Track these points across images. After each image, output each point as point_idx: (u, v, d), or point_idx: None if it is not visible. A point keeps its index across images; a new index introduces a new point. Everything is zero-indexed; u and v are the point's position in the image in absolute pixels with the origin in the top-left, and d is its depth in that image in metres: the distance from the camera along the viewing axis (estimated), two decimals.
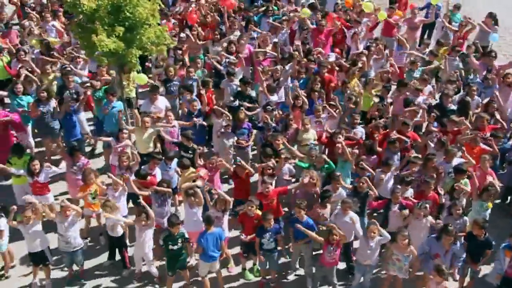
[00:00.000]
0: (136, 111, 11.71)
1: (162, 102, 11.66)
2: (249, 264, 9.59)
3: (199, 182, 9.29)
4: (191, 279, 9.22)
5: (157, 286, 9.28)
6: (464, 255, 8.76)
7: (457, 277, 9.26)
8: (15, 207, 8.83)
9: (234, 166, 10.11)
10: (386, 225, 9.14)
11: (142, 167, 10.03)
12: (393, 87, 12.42)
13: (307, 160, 10.18)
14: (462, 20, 14.55)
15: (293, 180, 10.28)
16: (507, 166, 11.07)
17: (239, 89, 12.18)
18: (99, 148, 12.33)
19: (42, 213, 8.90)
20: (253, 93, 12.24)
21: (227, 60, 12.95)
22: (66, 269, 9.42)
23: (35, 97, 11.60)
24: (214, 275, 9.13)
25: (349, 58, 13.62)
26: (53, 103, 11.40)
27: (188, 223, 9.13)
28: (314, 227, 8.90)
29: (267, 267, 9.13)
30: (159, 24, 10.50)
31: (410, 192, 9.48)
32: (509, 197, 11.10)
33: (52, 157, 11.86)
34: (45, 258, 8.98)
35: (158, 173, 9.91)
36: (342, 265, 9.40)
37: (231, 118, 11.23)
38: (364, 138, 10.89)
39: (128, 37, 9.90)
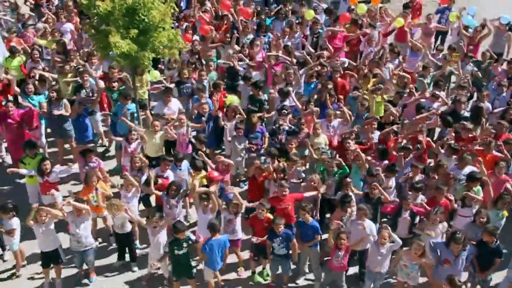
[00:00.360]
0: (148, 113, 11.78)
1: (175, 105, 11.70)
2: (258, 267, 9.58)
3: (212, 188, 9.28)
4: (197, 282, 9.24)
5: None
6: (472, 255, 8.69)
7: (469, 285, 9.20)
8: (36, 205, 8.85)
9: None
10: (394, 231, 9.07)
11: (154, 169, 10.08)
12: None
13: (320, 164, 10.18)
14: (477, 25, 14.47)
15: (302, 184, 10.24)
16: None
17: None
18: (112, 150, 12.38)
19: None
20: (264, 97, 12.25)
21: (244, 63, 12.96)
22: (76, 268, 9.47)
23: (48, 97, 11.69)
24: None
25: (361, 62, 13.56)
26: (64, 103, 11.46)
27: (202, 229, 9.11)
28: (319, 230, 8.90)
29: (279, 271, 9.09)
30: (172, 28, 10.54)
31: (420, 198, 9.44)
32: None
33: (64, 158, 11.93)
34: (57, 257, 9.03)
35: (170, 175, 9.93)
36: (353, 270, 9.36)
37: (244, 118, 11.24)
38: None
39: (141, 40, 9.95)
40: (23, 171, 10.04)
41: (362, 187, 9.98)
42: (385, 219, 10.13)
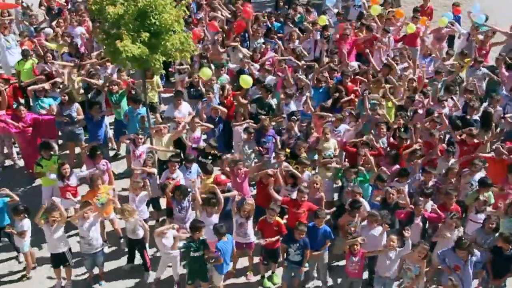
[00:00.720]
0: (158, 116, 11.80)
1: (185, 108, 11.74)
2: (268, 272, 9.55)
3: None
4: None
5: None
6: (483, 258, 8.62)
7: None
8: (45, 204, 8.91)
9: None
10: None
11: (164, 172, 10.08)
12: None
13: (323, 169, 10.21)
14: (488, 30, 14.42)
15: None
16: None
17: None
18: (122, 153, 12.43)
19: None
20: (274, 102, 12.25)
21: (255, 68, 12.99)
22: (86, 270, 9.48)
23: (60, 100, 11.76)
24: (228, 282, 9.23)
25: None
26: (76, 107, 11.53)
27: (207, 232, 9.06)
28: (331, 235, 8.87)
29: (292, 275, 9.08)
30: (183, 31, 10.57)
31: (430, 204, 9.38)
32: None
33: (74, 161, 11.99)
34: (66, 259, 9.06)
35: (180, 176, 9.94)
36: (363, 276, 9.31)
37: (254, 125, 11.26)
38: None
39: (152, 43, 9.97)
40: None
41: (371, 192, 9.95)
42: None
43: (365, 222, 8.94)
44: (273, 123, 11.59)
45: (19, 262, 9.80)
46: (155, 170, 10.32)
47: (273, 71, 13.13)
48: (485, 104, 12.35)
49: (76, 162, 11.74)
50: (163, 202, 10.41)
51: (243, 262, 9.64)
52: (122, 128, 11.81)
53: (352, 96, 12.10)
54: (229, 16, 15.40)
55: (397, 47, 14.49)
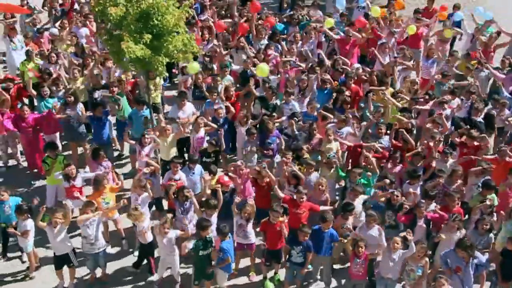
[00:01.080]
0: (162, 116, 11.82)
1: (189, 108, 11.75)
2: (270, 273, 9.55)
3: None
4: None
5: None
6: (488, 263, 8.59)
7: None
8: (44, 207, 8.94)
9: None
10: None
11: (166, 173, 10.11)
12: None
13: (326, 169, 10.23)
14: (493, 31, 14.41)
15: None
16: None
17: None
18: (126, 153, 12.45)
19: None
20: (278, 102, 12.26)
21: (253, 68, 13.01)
22: (88, 271, 9.51)
23: (63, 101, 11.81)
24: (230, 282, 9.25)
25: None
26: (80, 107, 11.57)
27: None
28: (337, 238, 8.88)
29: (294, 276, 9.08)
30: (186, 32, 10.59)
31: (433, 205, 9.37)
32: None
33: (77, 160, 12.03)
34: (70, 260, 9.08)
35: (183, 177, 9.96)
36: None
37: (257, 126, 11.28)
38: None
39: (155, 45, 9.98)
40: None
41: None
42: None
43: (362, 223, 8.97)
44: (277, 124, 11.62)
45: (22, 262, 9.83)
46: (157, 166, 10.31)
47: (276, 72, 13.14)
48: (489, 107, 12.30)
49: (79, 162, 11.78)
50: (165, 203, 10.43)
51: (245, 262, 9.63)
52: (125, 128, 11.85)
53: (348, 93, 12.02)
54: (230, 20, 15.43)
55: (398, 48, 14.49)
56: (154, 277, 9.47)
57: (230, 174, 9.90)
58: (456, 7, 15.90)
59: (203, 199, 9.41)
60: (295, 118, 11.26)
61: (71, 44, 13.84)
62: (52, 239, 8.85)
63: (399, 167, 10.30)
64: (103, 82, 12.51)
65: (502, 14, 16.90)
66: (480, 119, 11.53)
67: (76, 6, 16.74)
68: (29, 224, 9.18)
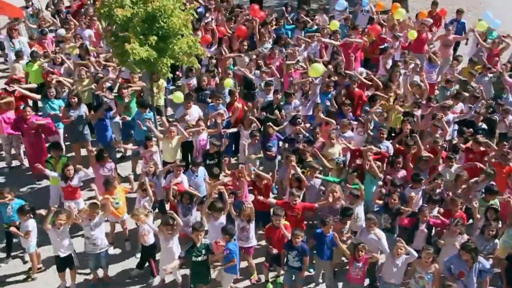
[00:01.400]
0: (164, 119, 11.83)
1: (195, 111, 11.74)
2: (272, 275, 9.56)
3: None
4: None
5: None
6: (492, 270, 8.56)
7: None
8: (53, 208, 8.93)
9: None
10: (411, 244, 9.01)
11: (168, 176, 10.11)
12: None
13: (335, 174, 10.15)
14: (496, 37, 14.40)
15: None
16: None
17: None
18: (129, 156, 12.46)
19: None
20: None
21: (257, 71, 13.02)
22: (90, 271, 9.51)
23: (66, 102, 11.83)
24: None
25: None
26: (84, 108, 11.59)
27: (212, 236, 9.14)
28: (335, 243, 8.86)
29: (293, 279, 9.05)
30: (192, 35, 10.61)
31: (436, 210, 9.37)
32: None
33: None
34: (71, 261, 9.09)
35: (184, 180, 9.96)
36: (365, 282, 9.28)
37: (260, 128, 11.28)
38: (391, 154, 10.79)
39: (160, 47, 10.01)
40: (47, 171, 10.12)
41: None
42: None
43: (363, 227, 8.97)
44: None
45: (24, 263, 9.84)
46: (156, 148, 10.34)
47: (279, 75, 13.16)
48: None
49: (82, 163, 11.81)
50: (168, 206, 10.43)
51: (243, 265, 9.60)
52: (130, 130, 11.86)
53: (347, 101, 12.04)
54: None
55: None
56: (156, 280, 9.47)
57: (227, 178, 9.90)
58: (460, 12, 15.90)
59: (208, 201, 9.39)
60: (298, 121, 11.26)
61: (76, 46, 13.87)
62: (55, 240, 8.86)
63: (401, 172, 10.28)
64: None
65: (503, 14, 16.92)
66: (483, 124, 11.51)
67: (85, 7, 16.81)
68: (31, 224, 9.18)
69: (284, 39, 14.43)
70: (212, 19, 15.30)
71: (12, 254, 9.95)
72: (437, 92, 13.67)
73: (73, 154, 12.02)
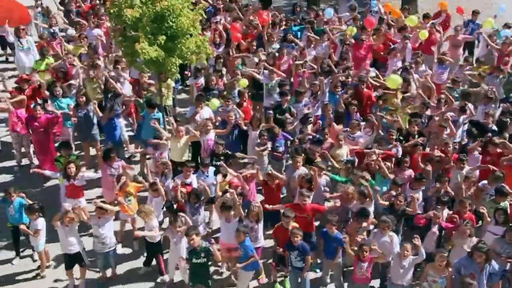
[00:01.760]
0: (172, 118, 11.85)
1: (206, 112, 11.70)
2: (280, 275, 9.55)
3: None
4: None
5: None
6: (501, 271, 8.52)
7: None
8: (66, 207, 8.94)
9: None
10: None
11: (177, 176, 10.13)
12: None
13: (344, 175, 10.14)
14: (508, 37, 14.35)
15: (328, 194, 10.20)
16: None
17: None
18: (137, 156, 12.48)
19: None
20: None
21: (265, 71, 13.03)
22: (98, 270, 9.56)
23: (75, 101, 11.88)
24: None
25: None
26: (92, 107, 11.63)
27: (225, 237, 9.19)
28: (343, 243, 8.81)
29: (299, 281, 9.05)
30: (200, 34, 10.63)
31: (446, 212, 9.33)
32: None
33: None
34: (81, 259, 9.13)
35: (194, 181, 9.97)
36: (375, 283, 9.27)
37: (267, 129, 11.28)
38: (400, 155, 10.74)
39: (169, 46, 10.04)
40: (47, 172, 10.18)
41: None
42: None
43: (376, 229, 8.90)
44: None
45: (34, 261, 9.89)
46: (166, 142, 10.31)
47: (288, 75, 13.15)
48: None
49: (91, 162, 11.87)
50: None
51: None
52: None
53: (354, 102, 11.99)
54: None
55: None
56: (165, 278, 9.49)
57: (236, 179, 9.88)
58: (476, 13, 15.82)
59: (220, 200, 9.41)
60: (310, 119, 11.22)
61: (80, 46, 13.92)
62: (63, 238, 8.90)
63: (408, 172, 10.24)
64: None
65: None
66: (493, 126, 11.45)
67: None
68: (40, 223, 9.24)
69: (290, 34, 14.39)
70: (220, 19, 15.30)
71: (21, 253, 9.99)
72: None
73: (83, 153, 12.07)
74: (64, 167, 9.96)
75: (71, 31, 14.79)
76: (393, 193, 9.58)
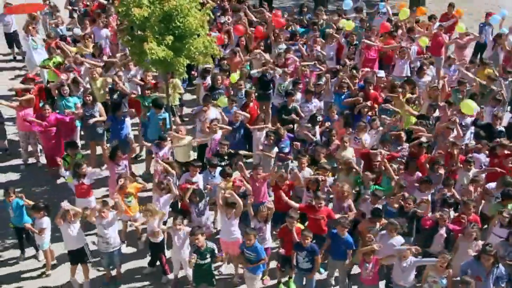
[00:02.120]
0: (178, 119, 11.86)
1: (213, 113, 11.63)
2: (284, 278, 9.52)
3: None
4: None
5: None
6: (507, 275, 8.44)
7: None
8: (64, 206, 8.94)
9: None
10: (429, 247, 9.01)
11: (183, 175, 10.12)
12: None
13: (344, 174, 10.20)
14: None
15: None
16: None
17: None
18: (143, 155, 12.51)
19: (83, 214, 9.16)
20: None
21: (272, 71, 13.02)
22: (102, 269, 9.57)
23: (82, 100, 11.91)
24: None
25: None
26: (98, 107, 11.67)
27: (225, 233, 9.21)
28: (353, 246, 8.81)
29: (303, 283, 9.02)
30: (207, 35, 10.63)
31: (451, 214, 9.28)
32: None
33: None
34: (84, 255, 9.14)
35: (200, 180, 9.97)
36: (383, 284, 9.23)
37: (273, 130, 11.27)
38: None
39: (177, 46, 10.04)
40: (62, 171, 10.17)
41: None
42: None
43: (384, 231, 8.85)
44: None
45: (39, 260, 9.91)
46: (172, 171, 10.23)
47: (295, 75, 13.14)
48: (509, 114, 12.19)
49: (97, 161, 11.89)
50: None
51: None
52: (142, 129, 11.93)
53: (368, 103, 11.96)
54: (255, 20, 15.47)
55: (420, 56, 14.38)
56: (169, 277, 9.49)
57: (241, 179, 9.86)
58: (489, 14, 15.77)
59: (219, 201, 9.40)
60: (318, 118, 11.21)
61: (82, 48, 13.95)
62: (67, 235, 8.93)
63: (417, 174, 10.19)
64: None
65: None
66: (501, 127, 11.39)
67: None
68: (45, 221, 9.27)
69: (298, 36, 14.41)
70: (228, 19, 15.31)
71: (26, 251, 10.01)
72: None
73: (89, 152, 12.10)
74: (71, 167, 9.98)
75: (77, 31, 14.81)
76: (406, 195, 9.52)
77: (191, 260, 8.50)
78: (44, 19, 16.15)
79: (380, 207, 9.31)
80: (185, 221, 9.19)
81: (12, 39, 16.22)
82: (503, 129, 11.39)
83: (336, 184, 9.79)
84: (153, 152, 10.89)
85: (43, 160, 12.17)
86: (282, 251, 9.07)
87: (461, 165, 10.28)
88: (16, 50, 16.61)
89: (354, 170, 10.21)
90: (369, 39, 14.12)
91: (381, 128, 11.32)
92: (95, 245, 9.39)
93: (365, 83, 12.48)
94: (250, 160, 11.78)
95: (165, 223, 9.71)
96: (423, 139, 10.66)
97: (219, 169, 10.22)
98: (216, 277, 9.13)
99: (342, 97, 12.35)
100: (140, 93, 12.48)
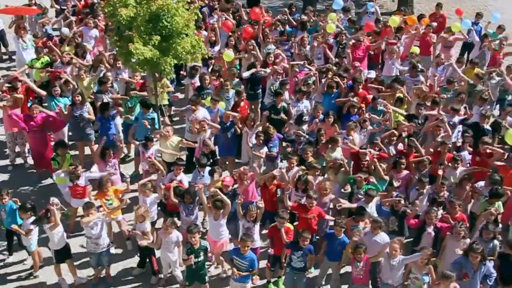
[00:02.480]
0: (167, 119, 11.81)
1: (201, 113, 11.56)
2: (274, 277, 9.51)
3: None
4: None
5: None
6: (495, 275, 8.52)
7: None
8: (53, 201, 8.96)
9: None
10: (417, 245, 9.01)
11: (167, 174, 10.10)
12: None
13: (332, 174, 10.20)
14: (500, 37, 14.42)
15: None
16: None
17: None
18: (131, 155, 12.45)
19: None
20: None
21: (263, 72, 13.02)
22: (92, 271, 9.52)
23: (71, 100, 11.84)
24: None
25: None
26: (87, 107, 11.60)
27: (213, 234, 9.21)
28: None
29: (295, 282, 9.02)
30: (195, 34, 10.60)
31: (440, 212, 9.30)
32: None
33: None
34: (68, 252, 9.13)
35: (184, 179, 9.95)
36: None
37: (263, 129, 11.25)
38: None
39: (164, 46, 10.01)
40: (62, 174, 10.11)
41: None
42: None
43: (368, 228, 8.89)
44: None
45: (24, 264, 9.83)
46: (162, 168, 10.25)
47: (284, 75, 13.15)
48: (495, 113, 12.28)
49: (85, 162, 11.81)
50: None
51: None
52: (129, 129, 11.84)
53: (356, 100, 11.97)
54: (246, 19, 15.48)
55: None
56: (155, 279, 9.47)
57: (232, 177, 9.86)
58: (479, 15, 15.86)
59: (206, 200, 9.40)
60: (305, 118, 11.21)
61: (72, 48, 13.89)
62: (51, 234, 8.89)
63: (404, 173, 10.24)
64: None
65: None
66: (487, 126, 11.46)
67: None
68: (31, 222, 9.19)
69: (287, 36, 14.37)
70: (217, 19, 15.29)
71: (19, 253, 9.95)
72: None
73: (77, 152, 12.03)
74: (62, 167, 9.91)
75: (66, 30, 14.72)
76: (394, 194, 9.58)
77: (189, 261, 8.50)
78: (30, 18, 16.03)
79: (370, 206, 9.34)
80: (178, 222, 9.21)
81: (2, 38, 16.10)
82: (489, 128, 11.45)
83: (320, 181, 9.81)
84: (140, 152, 10.86)
85: (30, 160, 12.09)
86: (271, 251, 9.05)
87: (449, 164, 10.32)
88: (3, 49, 16.48)
89: (343, 169, 10.24)
90: (358, 38, 14.14)
91: (370, 128, 11.36)
92: (84, 247, 9.36)
93: (354, 82, 12.51)
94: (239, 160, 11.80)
95: (153, 223, 9.70)
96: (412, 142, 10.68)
97: (208, 169, 10.20)
98: (211, 278, 9.14)
99: (332, 96, 12.35)
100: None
